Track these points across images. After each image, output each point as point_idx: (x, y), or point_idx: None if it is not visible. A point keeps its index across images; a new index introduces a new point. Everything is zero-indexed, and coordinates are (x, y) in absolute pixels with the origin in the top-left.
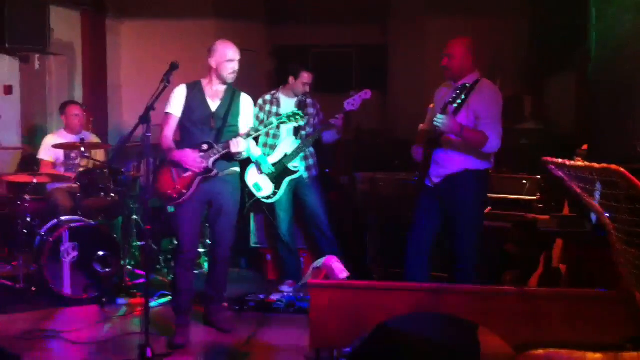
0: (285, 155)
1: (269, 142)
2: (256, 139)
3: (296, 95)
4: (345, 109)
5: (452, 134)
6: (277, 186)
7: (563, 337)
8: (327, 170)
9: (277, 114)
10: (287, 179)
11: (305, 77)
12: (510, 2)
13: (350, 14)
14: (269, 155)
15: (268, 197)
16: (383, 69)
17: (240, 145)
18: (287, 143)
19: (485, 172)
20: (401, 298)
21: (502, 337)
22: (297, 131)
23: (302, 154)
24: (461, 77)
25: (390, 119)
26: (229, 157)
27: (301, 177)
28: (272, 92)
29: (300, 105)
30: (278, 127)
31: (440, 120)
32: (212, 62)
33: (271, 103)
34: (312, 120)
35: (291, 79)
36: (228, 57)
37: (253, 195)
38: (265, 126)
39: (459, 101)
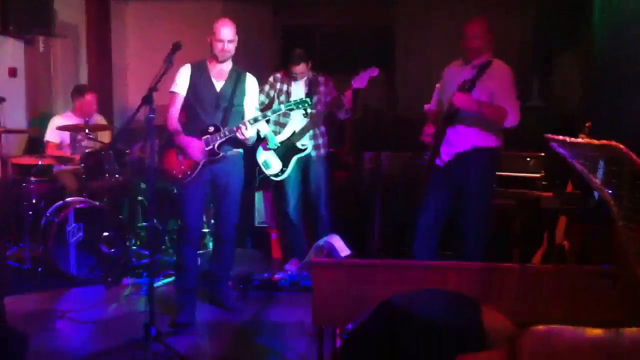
0: (294, 133)
1: (281, 120)
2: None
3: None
4: (353, 86)
5: (471, 111)
6: (285, 164)
7: (565, 313)
8: (332, 150)
9: (288, 92)
10: (295, 157)
11: (295, 70)
12: None
13: None
14: (280, 133)
15: (276, 175)
16: (390, 48)
17: (247, 132)
18: (296, 121)
19: (495, 149)
20: (403, 276)
21: (505, 313)
22: None
23: (310, 132)
24: (477, 56)
25: (397, 98)
26: (236, 142)
27: (310, 155)
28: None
29: (311, 84)
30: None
31: (458, 98)
32: (209, 40)
33: (282, 81)
34: (322, 99)
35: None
36: (218, 36)
37: (262, 171)
38: (273, 112)
39: (477, 82)
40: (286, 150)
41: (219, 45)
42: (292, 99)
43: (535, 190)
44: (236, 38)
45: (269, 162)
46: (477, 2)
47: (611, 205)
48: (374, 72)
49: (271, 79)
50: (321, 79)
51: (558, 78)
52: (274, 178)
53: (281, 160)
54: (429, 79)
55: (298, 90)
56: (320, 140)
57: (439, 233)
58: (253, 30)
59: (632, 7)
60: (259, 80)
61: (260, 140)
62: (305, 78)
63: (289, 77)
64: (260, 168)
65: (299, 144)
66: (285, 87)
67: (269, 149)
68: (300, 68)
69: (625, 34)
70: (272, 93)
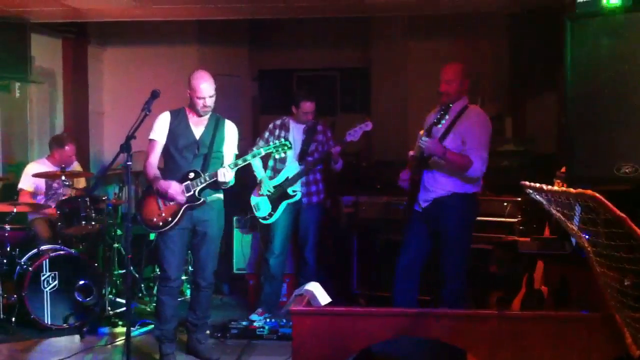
0: (287, 179)
1: (278, 167)
2: (265, 162)
3: (302, 123)
4: (346, 140)
5: (436, 156)
6: (274, 208)
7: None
8: None
9: (286, 139)
10: (285, 202)
11: (305, 106)
12: (491, 25)
13: (333, 38)
14: (275, 178)
15: (264, 218)
16: (366, 91)
17: (227, 175)
18: (291, 167)
19: (472, 195)
20: (384, 323)
21: None
22: (303, 157)
23: (303, 179)
24: (454, 102)
25: (373, 141)
26: (215, 186)
27: (301, 201)
28: (284, 117)
29: (309, 131)
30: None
31: (424, 142)
32: (188, 94)
33: (281, 128)
34: (320, 147)
35: (294, 109)
36: (198, 94)
37: (253, 212)
38: (254, 156)
39: (442, 122)
40: (277, 196)
41: (200, 102)
42: None
43: (513, 235)
44: (214, 90)
45: (260, 205)
46: (453, 45)
47: (588, 251)
48: (368, 126)
49: (271, 125)
50: (320, 127)
51: (534, 121)
52: (262, 221)
53: (271, 205)
54: (405, 121)
55: (296, 136)
56: (313, 188)
57: (418, 276)
58: (229, 74)
59: (603, 52)
60: (237, 126)
61: (256, 184)
62: (305, 126)
63: (287, 125)
64: (251, 209)
65: (289, 190)
66: (283, 133)
67: (262, 193)
68: (312, 105)
69: (598, 78)
70: (271, 139)
